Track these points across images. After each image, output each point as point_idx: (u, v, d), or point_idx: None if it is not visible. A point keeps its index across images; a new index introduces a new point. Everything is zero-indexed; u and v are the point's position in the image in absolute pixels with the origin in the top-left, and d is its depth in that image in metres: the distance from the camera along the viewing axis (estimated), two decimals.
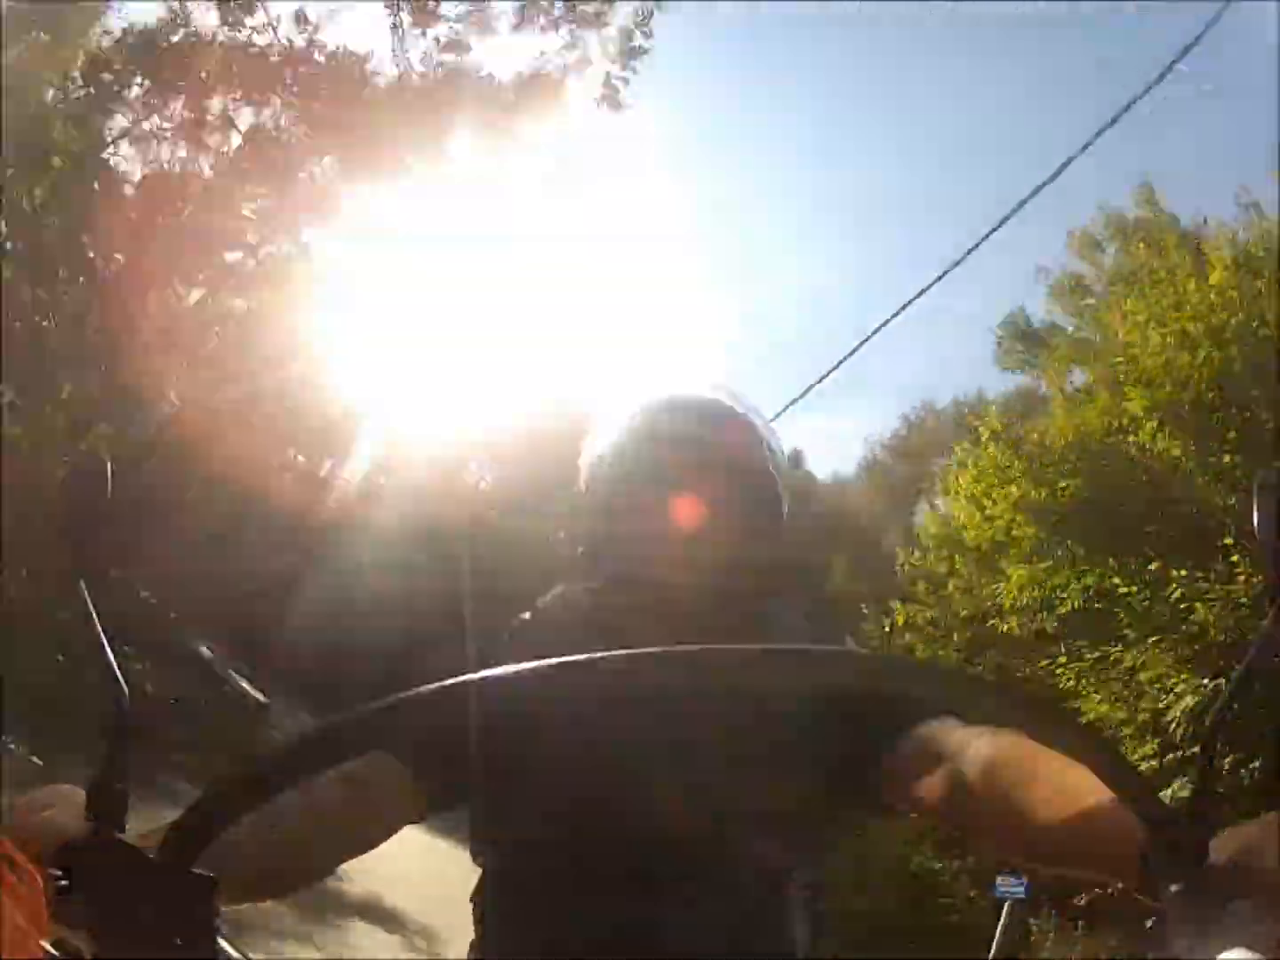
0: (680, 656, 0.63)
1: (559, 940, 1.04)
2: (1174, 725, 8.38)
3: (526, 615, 1.26)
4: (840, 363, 7.67)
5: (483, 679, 0.60)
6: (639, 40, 12.25)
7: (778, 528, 1.23)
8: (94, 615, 0.72)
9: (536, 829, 1.06)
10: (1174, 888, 0.55)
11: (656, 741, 1.01)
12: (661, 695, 0.98)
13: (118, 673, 0.70)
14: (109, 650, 0.70)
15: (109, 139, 12.53)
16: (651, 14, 12.10)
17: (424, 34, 12.11)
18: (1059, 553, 10.88)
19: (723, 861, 1.03)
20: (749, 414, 1.25)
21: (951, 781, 0.96)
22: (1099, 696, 9.58)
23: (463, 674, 0.60)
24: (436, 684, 0.58)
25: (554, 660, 0.59)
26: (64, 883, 0.58)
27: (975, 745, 0.96)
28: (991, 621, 11.91)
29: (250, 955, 0.65)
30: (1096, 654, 9.77)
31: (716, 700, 0.99)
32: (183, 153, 12.74)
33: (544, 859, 1.06)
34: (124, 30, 12.05)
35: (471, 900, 1.18)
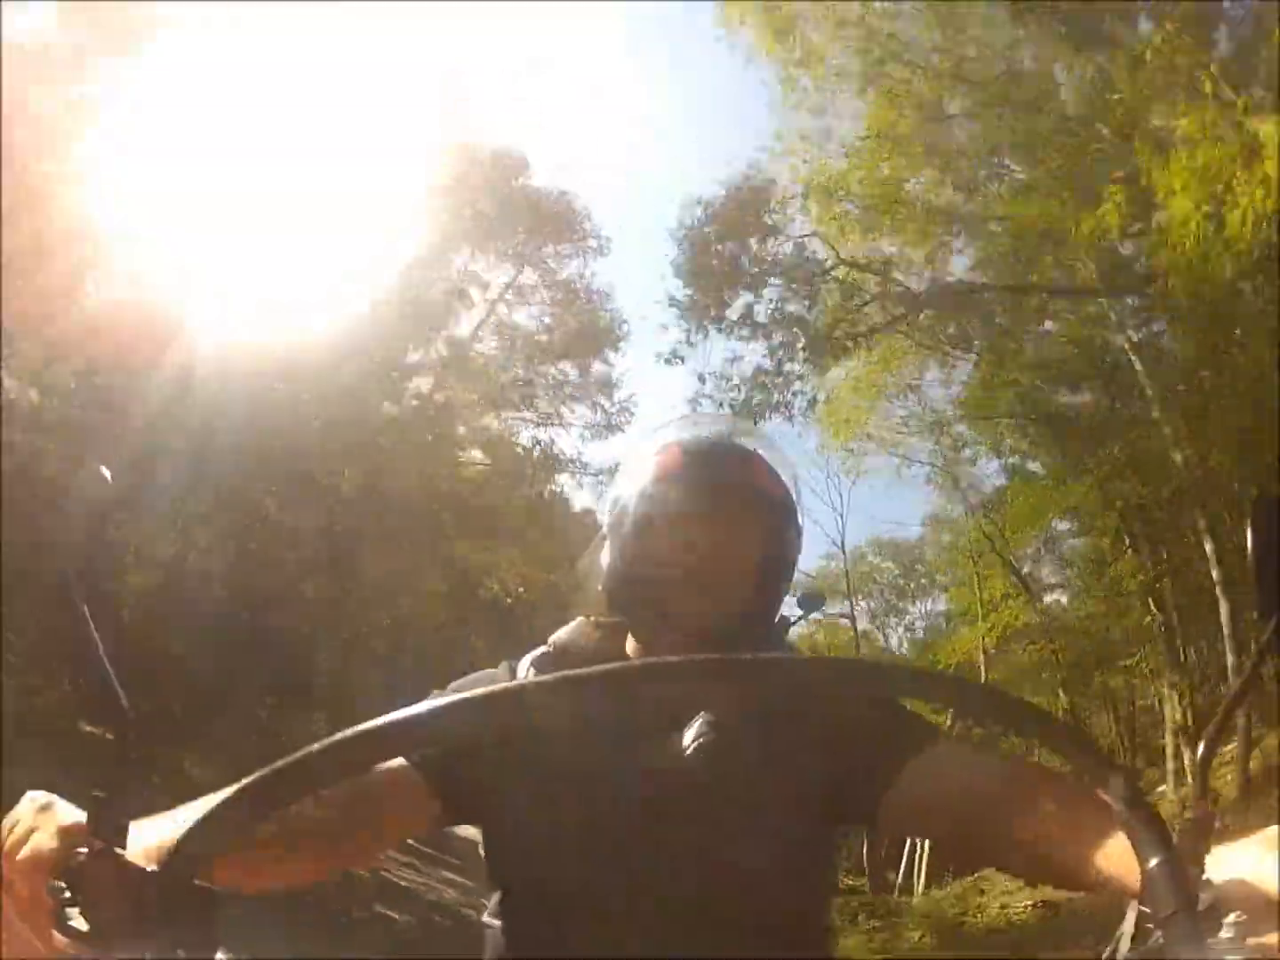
0: (706, 665, 0.62)
1: None
2: None
3: (543, 649, 1.25)
4: None
5: (502, 692, 0.58)
6: None
7: (792, 559, 1.26)
8: (94, 632, 0.69)
9: (551, 855, 1.06)
10: (1172, 902, 0.55)
11: (669, 769, 1.01)
12: (676, 721, 1.02)
13: (119, 690, 0.68)
14: (109, 668, 0.68)
15: None
16: None
17: None
18: None
19: (734, 895, 1.03)
20: (771, 456, 1.26)
21: (953, 807, 0.98)
22: None
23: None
24: (457, 697, 0.56)
25: (587, 670, 0.57)
26: (67, 896, 0.58)
27: (976, 771, 1.00)
28: None
29: None
30: None
31: (726, 728, 1.01)
32: None
33: (557, 885, 1.06)
34: None
35: (485, 920, 1.16)
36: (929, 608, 25.54)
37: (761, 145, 14.83)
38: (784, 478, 1.25)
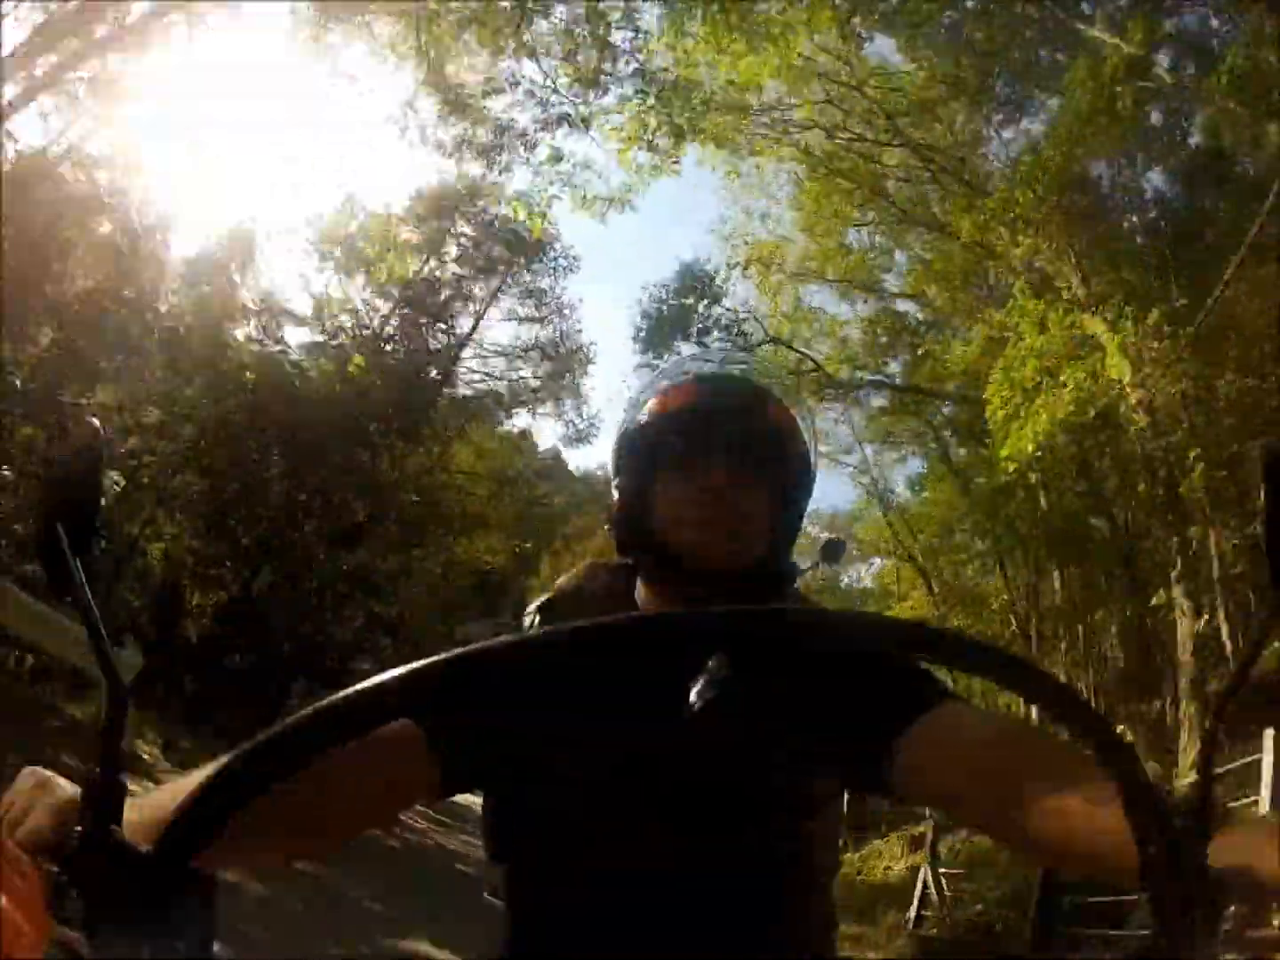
0: (724, 616, 0.59)
1: (580, 938, 0.97)
2: None
3: (549, 594, 1.16)
4: None
5: (513, 643, 0.54)
6: None
7: (806, 503, 1.18)
8: (91, 604, 0.64)
9: (554, 819, 0.99)
10: (1173, 891, 0.53)
11: (675, 725, 0.86)
12: (682, 674, 0.85)
13: (114, 666, 0.63)
14: (105, 642, 0.63)
15: None
16: None
17: None
18: None
19: (740, 850, 0.97)
20: (779, 391, 1.18)
21: (958, 774, 0.90)
22: None
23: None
24: (463, 649, 0.52)
25: (595, 620, 0.54)
26: (62, 879, 0.55)
27: (984, 736, 0.93)
28: None
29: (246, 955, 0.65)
30: None
31: (731, 681, 0.95)
32: None
33: (561, 851, 0.99)
34: None
35: (486, 898, 1.09)
36: (860, 573, 27.09)
37: (711, 227, 17.01)
38: (799, 418, 1.16)
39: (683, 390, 1.14)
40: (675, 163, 12.55)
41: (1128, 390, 10.22)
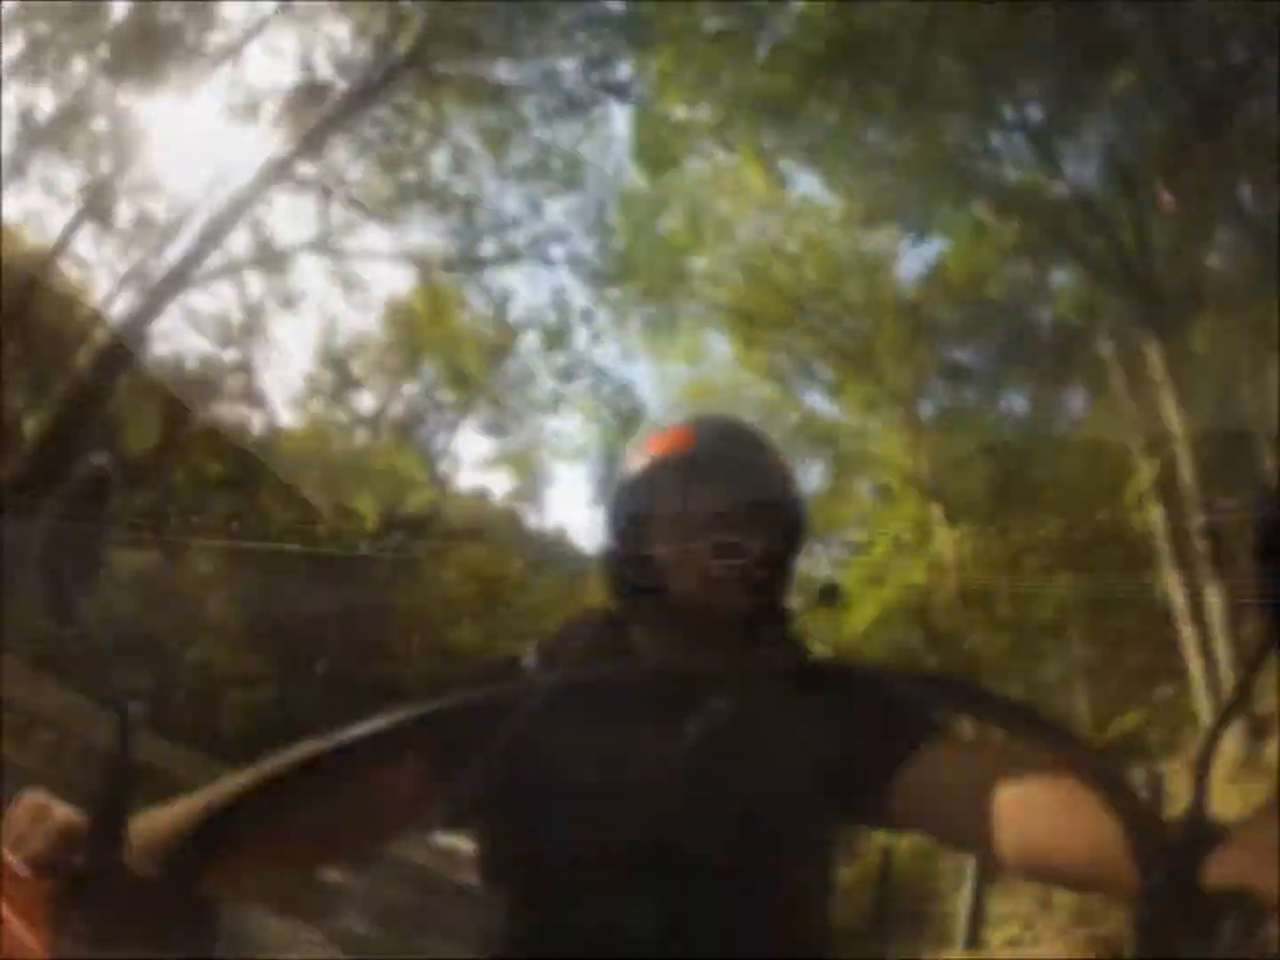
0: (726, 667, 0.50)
1: None
2: None
3: (548, 639, 1.15)
4: None
5: (517, 691, 0.55)
6: None
7: (801, 545, 1.15)
8: (94, 631, 0.63)
9: (553, 849, 0.98)
10: (1169, 907, 0.54)
11: (672, 763, 0.96)
12: (678, 713, 0.97)
13: (121, 695, 0.62)
14: (108, 666, 0.63)
15: None
16: None
17: None
18: None
19: (738, 886, 0.95)
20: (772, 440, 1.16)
21: (956, 804, 0.89)
22: None
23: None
24: (469, 694, 0.53)
25: (602, 668, 0.54)
26: (65, 898, 0.56)
27: (981, 767, 0.91)
28: None
29: None
30: None
31: (729, 720, 0.96)
32: None
33: (560, 880, 0.96)
34: None
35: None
36: None
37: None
38: (789, 465, 1.17)
39: (680, 435, 1.13)
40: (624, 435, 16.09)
41: (947, 580, 11.84)
